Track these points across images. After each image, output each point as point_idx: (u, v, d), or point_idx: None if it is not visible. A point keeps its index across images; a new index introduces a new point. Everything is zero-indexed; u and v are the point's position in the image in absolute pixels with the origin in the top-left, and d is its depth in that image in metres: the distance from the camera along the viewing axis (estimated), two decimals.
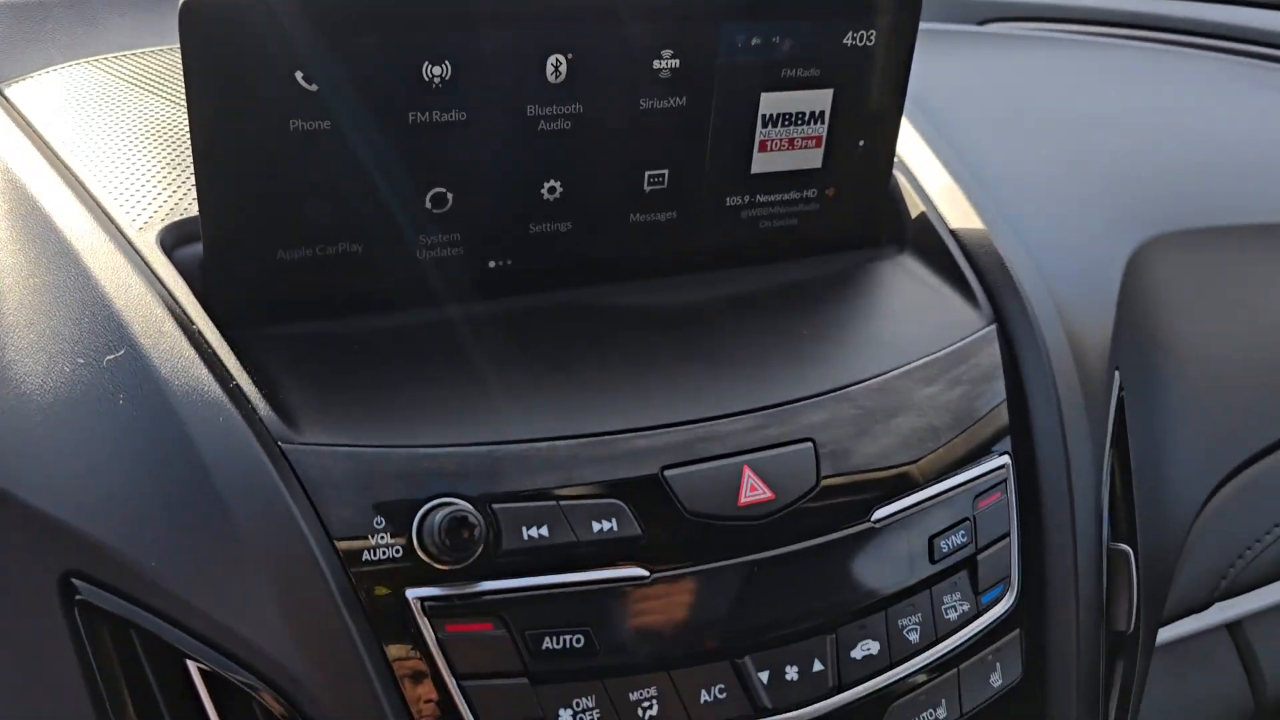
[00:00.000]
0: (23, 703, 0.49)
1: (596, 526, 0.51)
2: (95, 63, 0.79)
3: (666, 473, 0.53)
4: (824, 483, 0.55)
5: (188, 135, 0.53)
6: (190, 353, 0.51)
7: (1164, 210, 0.82)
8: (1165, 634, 0.78)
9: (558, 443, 0.53)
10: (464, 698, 0.49)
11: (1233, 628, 0.82)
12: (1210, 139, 0.93)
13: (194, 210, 0.59)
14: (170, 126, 0.70)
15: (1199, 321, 0.79)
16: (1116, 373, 0.69)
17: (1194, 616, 0.79)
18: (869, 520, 0.56)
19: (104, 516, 0.48)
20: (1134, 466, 0.69)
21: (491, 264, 0.63)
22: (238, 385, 0.51)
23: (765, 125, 0.67)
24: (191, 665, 0.48)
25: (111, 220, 0.58)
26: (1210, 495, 0.76)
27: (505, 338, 0.61)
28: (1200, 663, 0.80)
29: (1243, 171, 0.89)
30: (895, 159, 0.73)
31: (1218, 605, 0.79)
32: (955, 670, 0.58)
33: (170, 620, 0.48)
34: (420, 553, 0.49)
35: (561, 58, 0.59)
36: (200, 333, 0.53)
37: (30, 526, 0.49)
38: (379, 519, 0.49)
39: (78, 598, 0.48)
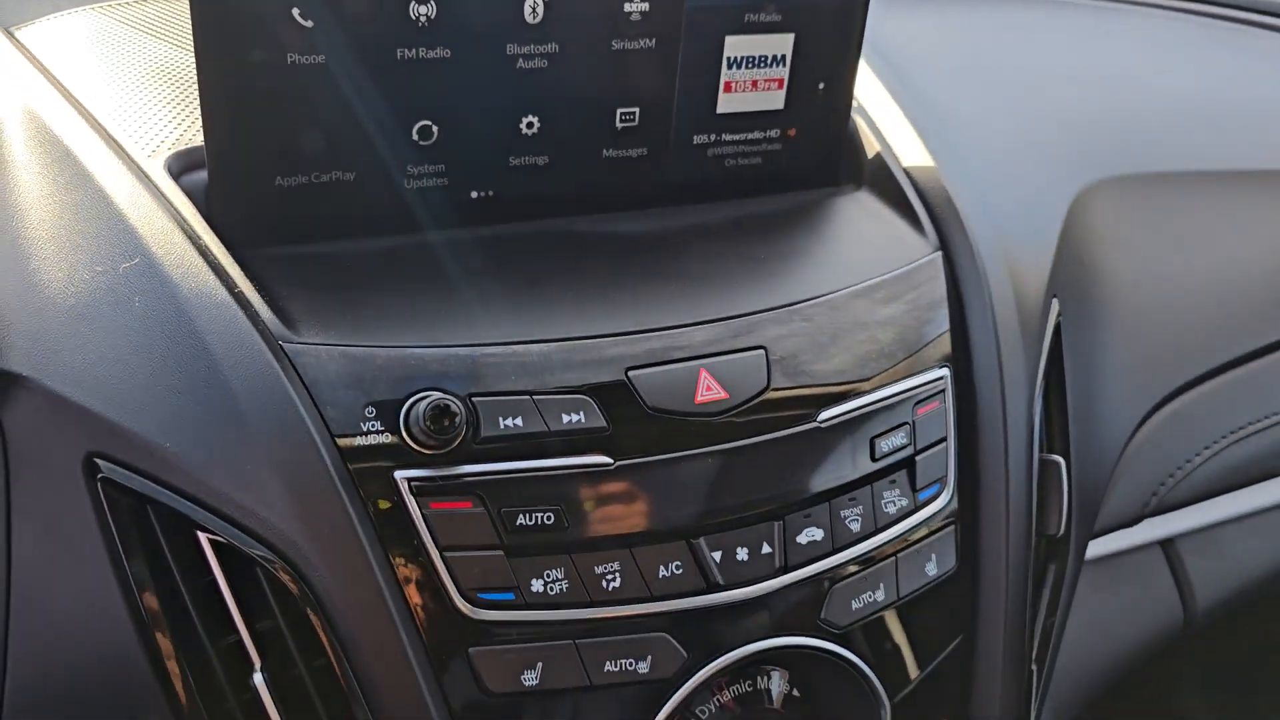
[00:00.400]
0: (52, 572, 0.55)
1: (566, 418, 0.57)
2: (101, 9, 0.84)
3: (630, 373, 0.58)
4: (774, 385, 0.61)
5: (190, 77, 0.58)
6: (198, 261, 0.57)
7: (1109, 156, 0.88)
8: (1101, 548, 0.84)
9: (531, 345, 0.58)
10: (446, 567, 0.55)
11: (1165, 545, 0.88)
12: (1160, 92, 0.98)
13: (198, 142, 0.64)
14: (173, 68, 0.75)
15: (1137, 260, 0.85)
16: (1055, 300, 0.75)
17: (1128, 534, 0.85)
18: (815, 421, 0.61)
19: (123, 403, 0.54)
20: (1069, 389, 0.75)
21: (474, 194, 0.68)
22: (241, 292, 0.57)
23: (730, 67, 0.72)
24: (202, 537, 0.54)
25: (122, 149, 0.64)
26: (1142, 420, 0.82)
27: (486, 258, 0.66)
28: (1134, 576, 0.86)
29: (1188, 122, 0.95)
30: (855, 103, 0.79)
31: (1151, 523, 0.85)
32: (893, 558, 0.64)
33: (184, 496, 0.53)
34: (407, 439, 0.55)
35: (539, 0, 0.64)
36: (207, 246, 0.58)
37: (58, 412, 0.54)
38: (370, 409, 0.55)
39: (100, 476, 0.54)
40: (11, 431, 0.54)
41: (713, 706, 0.60)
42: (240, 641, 0.55)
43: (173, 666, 0.55)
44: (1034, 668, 0.71)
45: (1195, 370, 0.85)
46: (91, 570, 0.54)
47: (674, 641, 0.58)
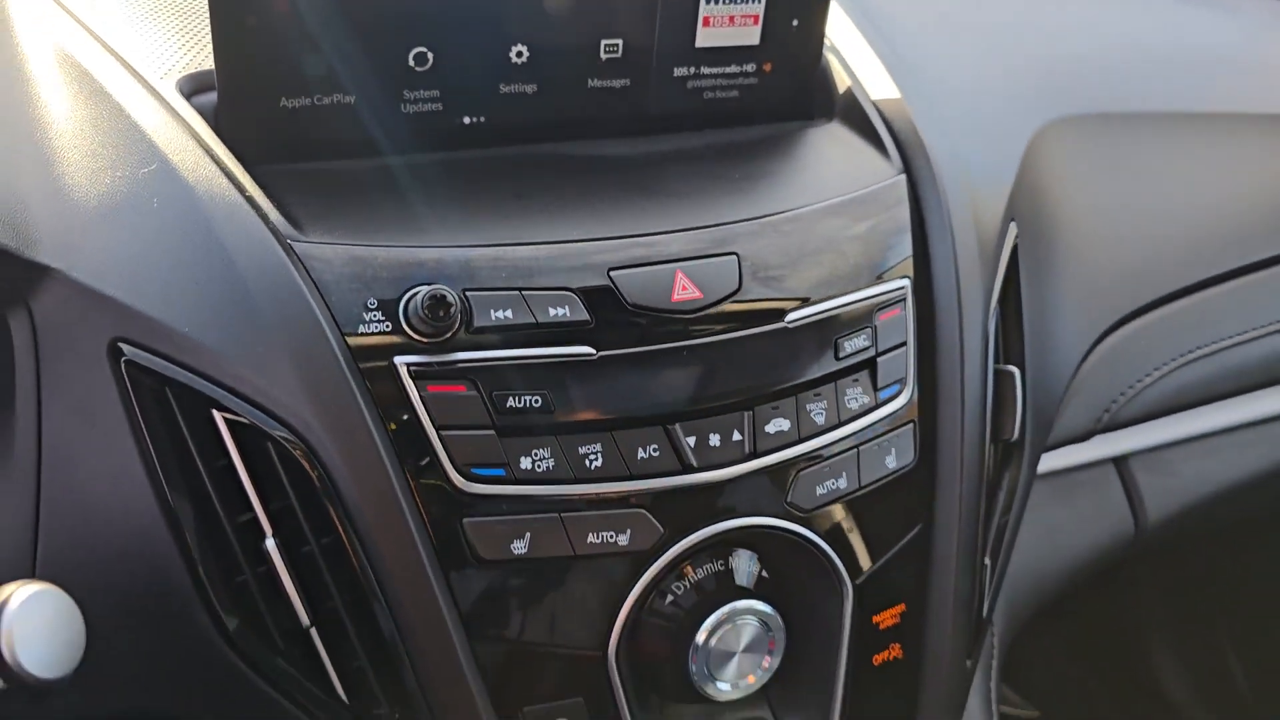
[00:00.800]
0: (80, 448, 0.60)
1: (553, 312, 0.62)
2: None
3: (612, 273, 0.63)
4: (744, 288, 0.66)
5: (196, 10, 0.62)
6: (211, 168, 0.61)
7: (1069, 96, 0.93)
8: (1056, 462, 0.89)
9: (521, 247, 0.63)
10: (442, 444, 0.60)
11: (1118, 462, 0.93)
12: (1119, 38, 1.03)
13: (208, 66, 0.69)
14: (179, 1, 0.79)
15: (1092, 193, 0.90)
16: (1012, 224, 0.80)
17: (1082, 450, 0.90)
18: (783, 322, 0.66)
19: (145, 293, 0.58)
20: (1026, 308, 0.80)
21: (466, 119, 0.73)
22: (251, 196, 0.61)
23: (708, 2, 0.76)
24: (218, 415, 0.59)
25: (136, 71, 0.68)
26: (1095, 343, 0.87)
27: (477, 175, 0.71)
28: (1087, 490, 0.92)
29: (1144, 67, 1.00)
30: (827, 42, 0.83)
31: (1104, 441, 0.91)
32: (855, 450, 0.69)
33: (202, 376, 0.58)
34: (406, 328, 0.60)
35: None
36: (218, 156, 0.63)
37: (84, 301, 0.59)
38: (372, 300, 0.60)
39: (124, 359, 0.58)
40: (41, 319, 0.59)
41: (687, 583, 0.66)
42: (255, 519, 0.60)
43: (192, 539, 0.59)
44: (987, 562, 0.76)
45: (1146, 297, 0.90)
46: (116, 447, 0.59)
47: (651, 517, 0.63)
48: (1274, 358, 0.96)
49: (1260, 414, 0.98)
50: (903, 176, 0.76)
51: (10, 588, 0.42)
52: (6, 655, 0.39)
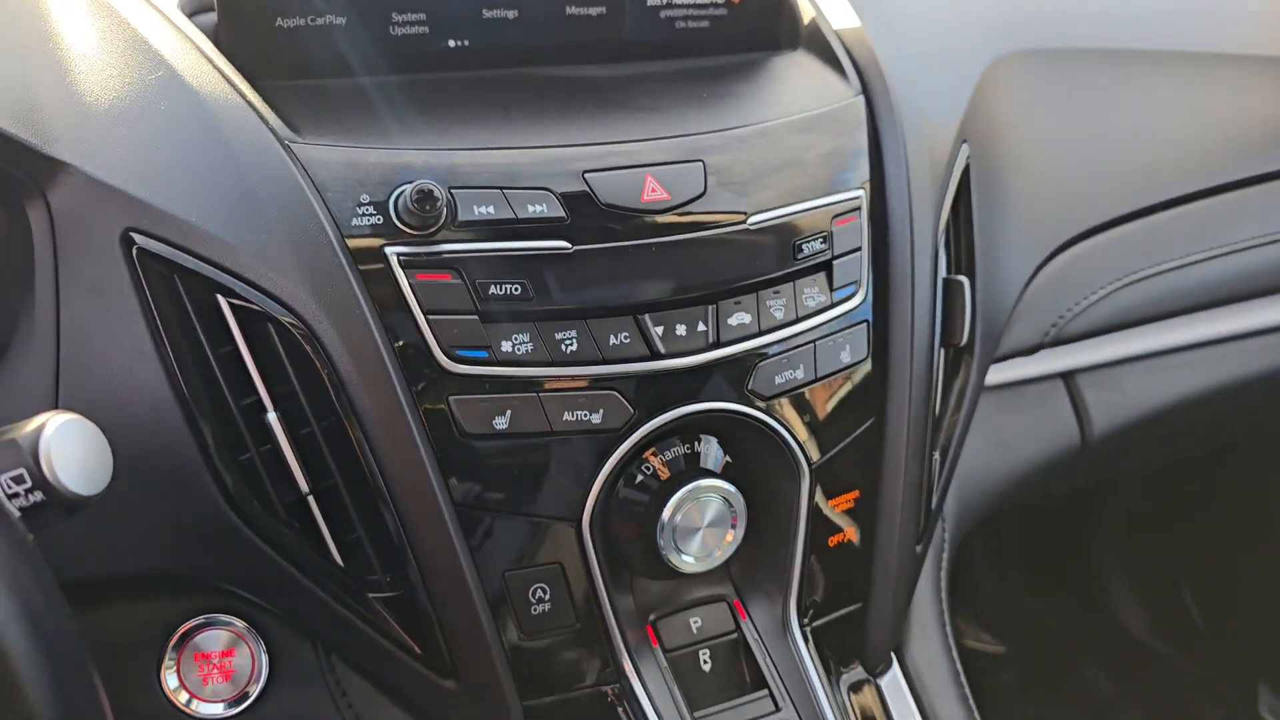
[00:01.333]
0: (96, 331, 0.64)
1: (532, 208, 0.67)
2: None
3: (586, 174, 0.68)
4: (710, 192, 0.71)
5: None
6: (214, 75, 0.66)
7: (1024, 32, 0.98)
8: (1006, 375, 0.95)
9: (503, 151, 0.68)
10: (430, 328, 0.65)
11: (1066, 377, 0.99)
12: None
13: None
14: None
15: (1043, 121, 0.95)
16: (965, 145, 0.85)
17: (1031, 364, 0.96)
18: (745, 223, 0.72)
19: (155, 187, 0.63)
20: (976, 225, 0.86)
21: (451, 43, 0.78)
22: (252, 102, 0.66)
23: None
24: (223, 300, 0.64)
25: None
26: (1044, 262, 0.93)
27: (462, 92, 0.76)
28: (1036, 403, 0.97)
29: (1103, 4, 1.05)
30: None
31: (1052, 355, 0.97)
32: (812, 344, 0.74)
33: (209, 263, 0.63)
34: (396, 221, 0.65)
35: None
36: (220, 66, 0.67)
37: (98, 194, 0.64)
38: (364, 196, 0.65)
39: (135, 247, 0.63)
40: (58, 210, 0.64)
41: (657, 463, 0.71)
42: (259, 401, 0.65)
43: (200, 417, 0.64)
44: (937, 457, 0.82)
45: (1093, 221, 0.96)
46: (129, 329, 0.64)
47: (622, 399, 0.68)
48: (1215, 282, 1.02)
49: (1202, 336, 1.04)
50: (861, 98, 0.81)
51: (46, 415, 0.47)
52: (46, 471, 0.45)
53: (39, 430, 0.46)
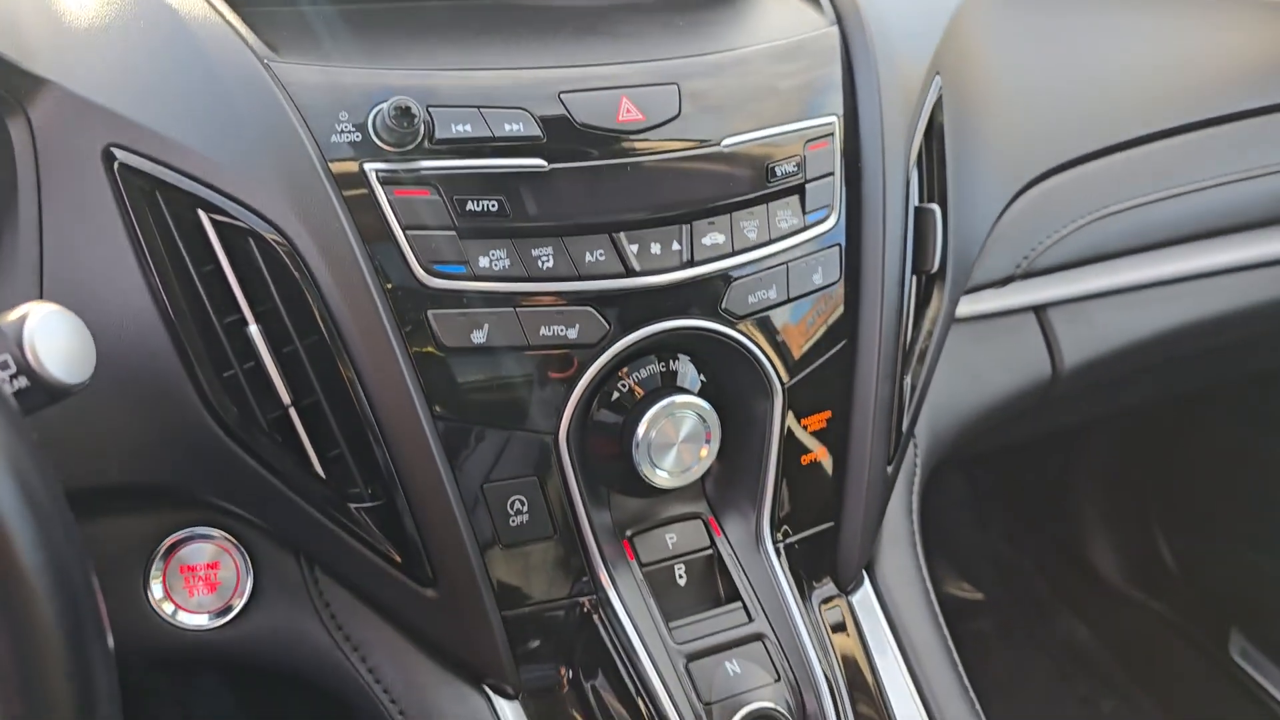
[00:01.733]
0: (79, 246, 0.66)
1: (508, 127, 0.68)
2: None
3: (562, 95, 0.69)
4: (684, 114, 0.72)
5: None
6: None
7: None
8: (978, 307, 0.97)
9: (481, 71, 0.69)
10: (408, 243, 0.66)
11: (1038, 310, 1.01)
12: None
13: None
14: None
15: (1017, 57, 0.97)
16: (938, 77, 0.87)
17: (1003, 296, 0.98)
18: (719, 145, 0.73)
19: (136, 103, 0.64)
20: (949, 155, 0.87)
21: None
22: (231, 23, 0.67)
23: None
24: (204, 216, 0.65)
25: None
26: (1015, 196, 0.95)
27: (440, 18, 0.77)
28: (1007, 335, 0.99)
29: None
30: None
31: (1024, 288, 0.98)
32: (784, 266, 0.76)
33: (190, 178, 0.64)
34: (375, 138, 0.66)
35: None
36: None
37: (78, 110, 0.64)
38: (343, 113, 0.66)
39: (117, 163, 0.64)
40: (39, 125, 0.65)
41: (633, 380, 0.73)
42: (242, 318, 0.66)
43: (183, 333, 0.66)
44: (909, 381, 0.84)
45: (1066, 155, 0.97)
46: (112, 244, 0.65)
47: (598, 314, 0.70)
48: (1186, 218, 1.03)
49: (1173, 273, 1.05)
50: (835, 27, 0.82)
51: (29, 305, 0.49)
52: (30, 357, 0.46)
53: (23, 319, 0.47)
